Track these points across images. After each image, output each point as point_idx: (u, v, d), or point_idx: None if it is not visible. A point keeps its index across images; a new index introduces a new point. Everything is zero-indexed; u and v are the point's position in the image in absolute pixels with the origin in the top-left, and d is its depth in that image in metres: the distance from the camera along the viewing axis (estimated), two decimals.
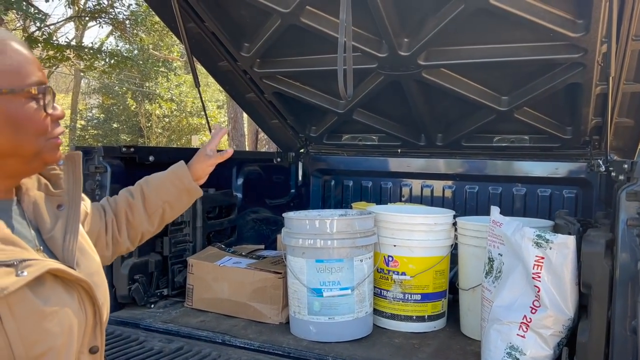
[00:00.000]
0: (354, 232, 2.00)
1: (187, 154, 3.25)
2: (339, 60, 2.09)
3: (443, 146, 3.33)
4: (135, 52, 11.13)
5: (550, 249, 1.63)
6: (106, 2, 7.30)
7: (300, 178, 3.82)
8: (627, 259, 1.47)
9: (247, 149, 11.42)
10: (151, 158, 2.52)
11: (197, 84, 2.82)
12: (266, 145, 10.89)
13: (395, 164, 3.56)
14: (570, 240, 1.62)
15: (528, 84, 2.69)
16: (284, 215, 2.15)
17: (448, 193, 3.49)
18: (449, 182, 3.46)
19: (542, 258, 1.64)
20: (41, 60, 8.14)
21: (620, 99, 2.67)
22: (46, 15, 6.39)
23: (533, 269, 1.64)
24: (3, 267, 0.85)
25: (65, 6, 7.67)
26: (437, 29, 2.41)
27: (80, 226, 1.14)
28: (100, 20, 7.31)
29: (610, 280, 1.52)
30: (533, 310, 1.65)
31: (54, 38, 7.18)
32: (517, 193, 3.31)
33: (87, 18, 7.39)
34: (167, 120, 17.69)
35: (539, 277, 1.64)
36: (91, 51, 7.01)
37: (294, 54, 2.89)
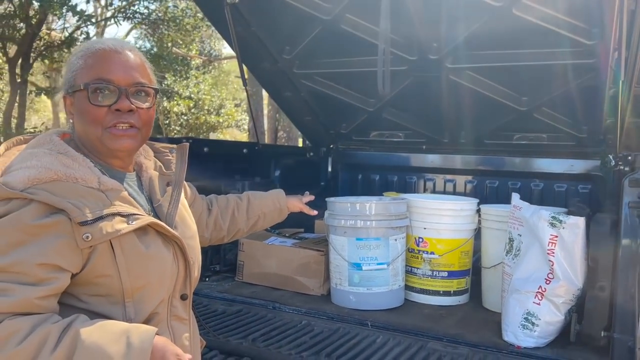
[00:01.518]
0: (389, 214, 2.28)
1: (235, 147, 3.52)
2: (379, 63, 2.37)
3: (466, 143, 3.54)
4: (154, 49, 11.39)
5: (564, 228, 1.88)
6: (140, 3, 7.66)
7: (330, 171, 4.08)
8: (629, 237, 1.72)
9: None
10: (205, 149, 2.82)
11: (244, 83, 3.10)
12: (286, 143, 11.19)
13: (420, 160, 3.76)
14: (580, 221, 1.88)
15: (546, 86, 2.91)
16: (327, 199, 2.44)
17: (469, 188, 3.70)
18: (471, 177, 3.66)
19: (556, 237, 1.89)
20: None
21: (633, 101, 2.89)
22: (94, 16, 6.77)
23: (548, 246, 1.90)
24: (119, 216, 1.14)
25: (103, 7, 8.02)
26: (465, 36, 2.67)
27: (185, 202, 1.45)
28: (135, 21, 7.70)
29: (614, 255, 1.77)
30: (547, 282, 1.91)
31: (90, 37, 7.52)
32: (535, 188, 3.50)
33: (121, 18, 7.74)
34: (185, 117, 18.01)
35: (553, 253, 1.89)
36: None
37: (331, 56, 3.14)
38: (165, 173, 1.39)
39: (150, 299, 1.19)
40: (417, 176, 3.84)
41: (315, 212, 2.07)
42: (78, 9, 6.32)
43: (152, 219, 1.20)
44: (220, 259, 2.73)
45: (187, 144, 1.44)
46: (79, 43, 7.13)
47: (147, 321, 1.18)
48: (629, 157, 1.92)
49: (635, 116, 3.07)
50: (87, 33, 7.11)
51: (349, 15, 2.75)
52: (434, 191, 3.77)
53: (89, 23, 6.63)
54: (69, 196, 1.08)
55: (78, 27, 7.33)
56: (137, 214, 1.17)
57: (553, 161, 3.37)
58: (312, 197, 2.07)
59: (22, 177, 1.07)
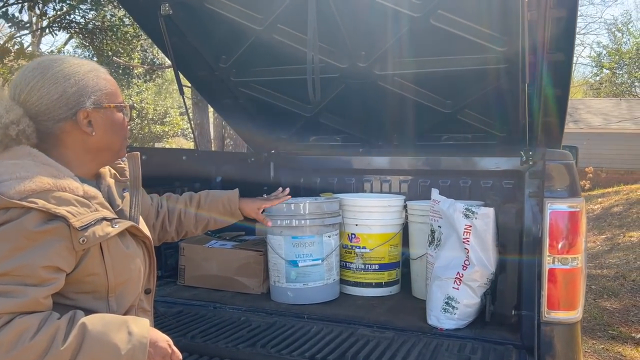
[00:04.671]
0: (322, 213, 2.42)
1: (174, 154, 3.56)
2: (308, 70, 2.51)
3: (399, 145, 3.73)
4: (94, 58, 11.18)
5: (476, 218, 2.08)
6: (79, 16, 7.53)
7: (272, 176, 4.19)
8: (530, 222, 1.93)
9: None
10: (144, 157, 2.86)
11: (181, 92, 3.18)
12: (233, 150, 11.21)
13: (357, 162, 3.91)
14: (490, 211, 2.08)
15: (467, 90, 3.13)
16: None
17: (404, 187, 3.90)
18: (405, 177, 3.86)
19: (470, 226, 2.09)
20: (10, 70, 8.24)
21: (544, 101, 3.15)
22: (30, 23, 6.60)
23: (463, 235, 2.09)
24: (106, 221, 1.25)
25: (38, 17, 7.84)
26: (389, 44, 2.86)
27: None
28: (71, 31, 7.55)
29: (520, 240, 1.98)
30: (464, 268, 2.10)
31: (25, 48, 7.34)
32: (463, 185, 3.72)
33: (57, 28, 7.58)
34: (128, 128, 17.67)
35: (468, 241, 2.08)
36: None
37: (267, 64, 3.26)
38: (121, 180, 1.48)
39: (129, 294, 1.32)
40: (356, 178, 3.98)
41: (269, 224, 2.07)
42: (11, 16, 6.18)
43: (132, 223, 1.33)
44: (162, 264, 2.78)
45: (138, 153, 1.55)
46: (11, 55, 6.92)
47: (124, 314, 1.30)
48: (530, 152, 2.13)
49: (549, 115, 3.36)
50: (21, 43, 6.92)
51: (281, 25, 2.87)
52: (371, 191, 3.95)
53: (24, 32, 6.47)
54: (63, 204, 1.17)
55: (11, 37, 7.14)
56: (117, 218, 1.30)
57: (479, 159, 3.58)
58: (273, 203, 2.04)
59: (18, 187, 1.13)
